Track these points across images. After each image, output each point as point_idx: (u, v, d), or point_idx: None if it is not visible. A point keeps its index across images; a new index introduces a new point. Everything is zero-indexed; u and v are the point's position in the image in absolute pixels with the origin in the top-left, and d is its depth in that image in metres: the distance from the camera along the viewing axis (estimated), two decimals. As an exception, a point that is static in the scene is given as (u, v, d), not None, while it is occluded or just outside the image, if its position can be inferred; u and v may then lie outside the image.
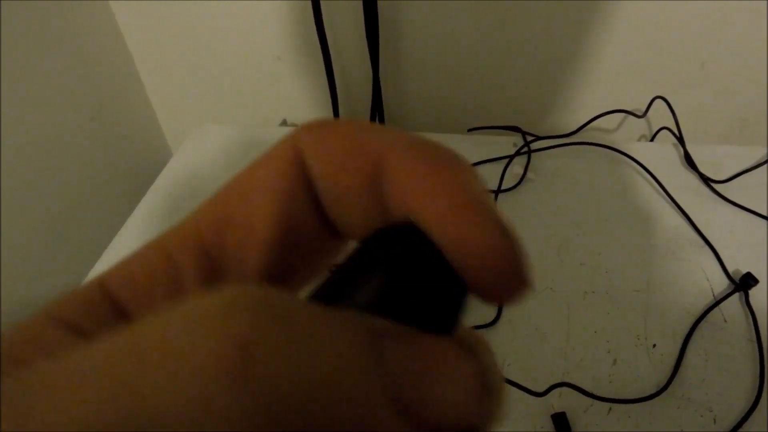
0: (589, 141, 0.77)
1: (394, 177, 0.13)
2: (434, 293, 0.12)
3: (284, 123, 0.96)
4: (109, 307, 0.13)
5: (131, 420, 0.08)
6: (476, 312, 0.56)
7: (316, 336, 0.09)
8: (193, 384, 0.08)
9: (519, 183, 0.72)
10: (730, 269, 0.60)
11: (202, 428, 0.08)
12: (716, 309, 0.56)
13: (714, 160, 0.74)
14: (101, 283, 0.14)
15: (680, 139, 0.76)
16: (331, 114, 0.90)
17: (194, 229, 0.14)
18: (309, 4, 0.77)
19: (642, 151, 0.76)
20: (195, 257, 0.14)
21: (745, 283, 0.58)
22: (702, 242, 0.64)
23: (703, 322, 0.55)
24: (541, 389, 0.48)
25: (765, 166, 0.73)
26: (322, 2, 0.77)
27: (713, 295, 0.58)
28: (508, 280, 0.13)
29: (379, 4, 0.77)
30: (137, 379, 0.08)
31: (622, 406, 0.48)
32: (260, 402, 0.08)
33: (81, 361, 0.09)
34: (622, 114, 0.86)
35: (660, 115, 0.81)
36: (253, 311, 0.09)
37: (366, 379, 0.09)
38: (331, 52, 0.83)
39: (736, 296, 0.58)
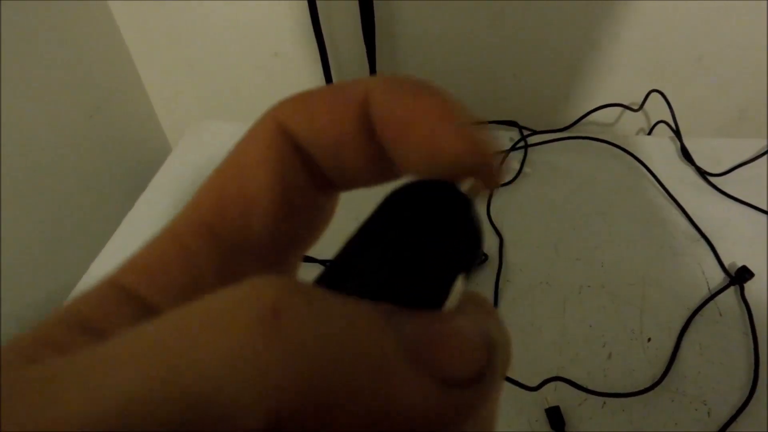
0: (586, 135, 0.77)
1: (380, 110, 0.13)
2: (432, 274, 0.13)
3: (282, 119, 0.96)
4: (129, 303, 0.14)
5: (178, 386, 0.09)
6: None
7: (334, 307, 0.10)
8: (233, 340, 0.09)
9: (516, 177, 0.72)
10: (726, 263, 0.60)
11: (244, 377, 0.09)
12: (711, 303, 0.56)
13: (711, 153, 0.74)
14: (113, 282, 0.14)
15: (677, 133, 0.76)
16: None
17: (198, 213, 0.15)
18: (305, 1, 0.77)
19: (639, 144, 0.76)
20: (205, 239, 0.14)
21: (740, 276, 0.58)
22: (698, 236, 0.64)
23: (698, 316, 0.55)
24: (535, 383, 0.49)
25: (762, 158, 0.73)
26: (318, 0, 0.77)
27: (708, 288, 0.58)
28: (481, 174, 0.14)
29: (375, 1, 0.77)
30: (186, 349, 0.09)
31: (617, 400, 0.49)
32: (290, 351, 0.09)
33: (116, 346, 0.09)
34: (619, 108, 0.86)
35: (657, 109, 0.81)
36: (278, 287, 0.10)
37: (383, 337, 0.10)
38: (328, 47, 0.83)
39: (731, 290, 0.58)
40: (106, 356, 0.09)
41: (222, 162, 0.15)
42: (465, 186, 0.14)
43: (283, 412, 0.09)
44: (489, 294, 0.58)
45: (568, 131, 0.79)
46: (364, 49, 0.81)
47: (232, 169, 0.15)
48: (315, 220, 0.16)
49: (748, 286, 0.57)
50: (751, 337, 0.53)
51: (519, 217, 0.67)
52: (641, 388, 0.49)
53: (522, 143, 0.76)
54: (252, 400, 0.09)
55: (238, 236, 0.14)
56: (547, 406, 0.48)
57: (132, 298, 0.14)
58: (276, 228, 0.14)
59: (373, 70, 0.83)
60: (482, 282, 0.59)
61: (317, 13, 0.78)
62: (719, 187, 0.69)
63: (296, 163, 0.15)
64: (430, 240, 0.13)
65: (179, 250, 0.14)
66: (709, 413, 0.48)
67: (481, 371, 0.11)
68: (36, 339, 0.12)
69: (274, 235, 0.15)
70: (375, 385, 0.10)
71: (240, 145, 0.15)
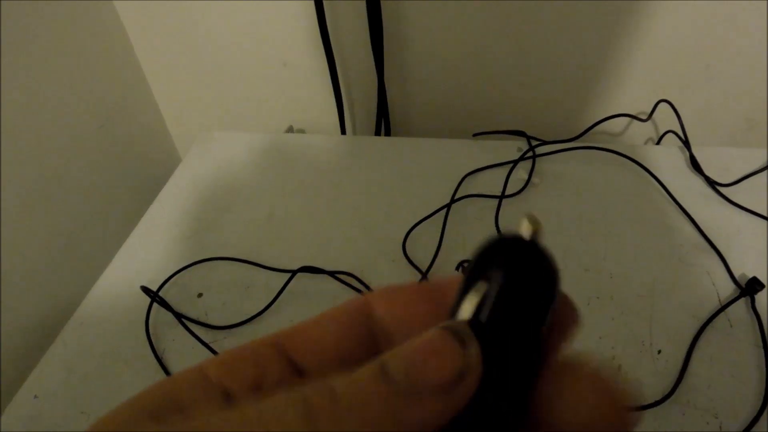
0: (594, 145, 0.77)
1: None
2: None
3: (290, 129, 0.96)
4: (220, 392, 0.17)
5: None
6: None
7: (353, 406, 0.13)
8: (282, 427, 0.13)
9: (524, 188, 0.72)
10: (736, 274, 0.60)
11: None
12: (722, 314, 0.56)
13: (720, 162, 0.74)
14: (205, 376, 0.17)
15: (686, 142, 0.76)
16: (336, 120, 0.90)
17: (280, 345, 0.18)
18: (314, 11, 0.77)
19: (647, 154, 0.76)
20: (281, 361, 0.17)
21: (751, 287, 0.57)
22: (708, 246, 0.63)
23: (708, 328, 0.55)
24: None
25: (772, 168, 0.73)
26: (326, 8, 0.77)
27: (719, 299, 0.58)
28: None
29: (384, 10, 0.77)
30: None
31: (627, 413, 0.48)
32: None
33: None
34: (627, 118, 0.86)
35: (665, 119, 0.81)
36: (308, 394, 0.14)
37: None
38: (336, 58, 0.83)
39: (742, 301, 0.57)
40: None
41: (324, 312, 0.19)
42: (524, 230, 0.15)
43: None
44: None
45: (576, 141, 0.79)
46: (373, 59, 0.82)
47: (320, 320, 0.19)
48: None
49: (759, 297, 0.57)
50: (762, 348, 0.53)
51: (527, 228, 0.67)
52: (652, 401, 0.49)
53: (530, 153, 0.76)
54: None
55: (305, 363, 0.18)
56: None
57: (221, 388, 0.17)
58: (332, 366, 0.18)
59: (381, 80, 0.84)
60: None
61: (326, 23, 0.78)
62: (728, 197, 0.69)
63: (364, 339, 0.18)
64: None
65: (260, 364, 0.18)
66: (720, 426, 0.48)
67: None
68: (160, 396, 0.15)
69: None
70: None
71: (333, 309, 0.19)
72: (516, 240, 0.15)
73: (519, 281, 0.15)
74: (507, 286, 0.15)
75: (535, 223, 0.15)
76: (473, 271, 0.15)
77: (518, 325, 0.14)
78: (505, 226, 0.67)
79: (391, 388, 0.13)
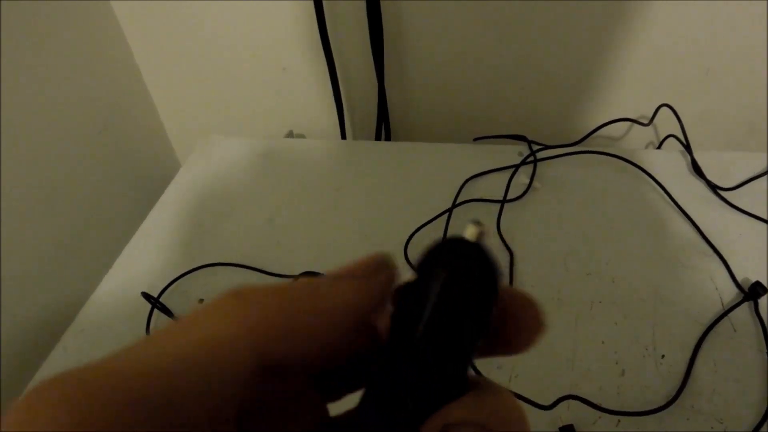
0: (596, 149, 0.77)
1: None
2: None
3: (290, 134, 0.96)
4: None
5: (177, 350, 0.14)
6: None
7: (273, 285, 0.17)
8: (212, 307, 0.16)
9: (525, 192, 0.71)
10: (738, 278, 0.60)
11: (216, 323, 0.15)
12: (725, 318, 0.56)
13: (721, 167, 0.74)
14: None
15: (687, 147, 0.76)
16: (337, 124, 0.90)
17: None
18: (314, 16, 0.77)
19: (649, 158, 0.76)
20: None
21: (754, 292, 0.57)
22: (710, 250, 0.63)
23: (712, 332, 0.55)
24: (548, 402, 0.48)
25: (773, 172, 0.73)
26: (326, 13, 0.77)
27: (722, 304, 0.58)
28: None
29: (384, 15, 0.77)
30: (194, 327, 0.15)
31: (631, 419, 0.48)
32: (252, 305, 0.16)
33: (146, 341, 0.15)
34: (628, 122, 0.86)
35: (666, 123, 0.81)
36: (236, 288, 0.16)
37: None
38: (336, 62, 0.83)
39: (745, 305, 0.57)
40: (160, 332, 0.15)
41: None
42: (470, 234, 0.17)
43: (261, 347, 0.15)
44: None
45: (577, 146, 0.78)
46: (373, 64, 0.82)
47: None
48: None
49: (762, 301, 0.57)
50: (766, 353, 0.53)
51: (529, 233, 0.67)
52: (655, 405, 0.49)
53: (531, 158, 0.76)
54: (241, 342, 0.15)
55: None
56: (561, 425, 0.47)
57: None
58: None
59: (381, 85, 0.84)
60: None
61: (326, 28, 0.78)
62: (730, 201, 0.69)
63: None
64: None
65: None
66: (725, 431, 0.47)
67: None
68: None
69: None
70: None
71: None
72: (460, 241, 0.17)
73: (460, 274, 0.17)
74: (447, 276, 0.17)
75: (479, 226, 0.17)
76: (419, 266, 0.18)
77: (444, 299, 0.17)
78: (507, 230, 0.67)
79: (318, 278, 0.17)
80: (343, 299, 0.17)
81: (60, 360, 0.56)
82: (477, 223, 0.17)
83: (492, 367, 0.52)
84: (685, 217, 0.67)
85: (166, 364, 0.14)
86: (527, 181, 0.73)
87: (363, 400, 0.17)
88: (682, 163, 0.76)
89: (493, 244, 0.65)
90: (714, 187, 0.71)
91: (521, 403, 0.18)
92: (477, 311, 0.17)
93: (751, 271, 0.60)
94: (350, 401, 0.19)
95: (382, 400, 0.17)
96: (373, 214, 0.71)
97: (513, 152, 0.79)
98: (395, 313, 0.17)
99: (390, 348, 0.17)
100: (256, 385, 0.16)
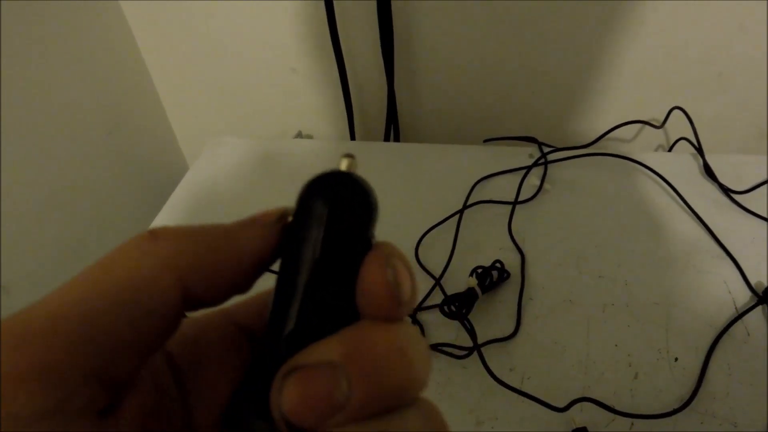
0: (607, 152, 0.77)
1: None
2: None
3: (299, 135, 0.96)
4: None
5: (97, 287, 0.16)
6: (495, 326, 0.56)
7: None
8: (127, 247, 0.16)
9: (536, 194, 0.71)
10: (752, 281, 0.59)
11: (137, 261, 0.16)
12: (739, 322, 0.55)
13: (733, 170, 0.74)
14: None
15: (699, 150, 0.76)
16: (346, 125, 0.90)
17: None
18: (324, 16, 0.77)
19: (660, 161, 0.75)
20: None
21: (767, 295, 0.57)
22: (723, 254, 0.63)
23: (725, 336, 0.54)
24: (561, 404, 0.48)
25: (786, 176, 0.72)
26: (336, 14, 0.77)
27: (735, 307, 0.57)
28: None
29: (394, 15, 0.77)
30: (111, 267, 0.16)
31: (645, 422, 0.48)
32: (167, 243, 0.16)
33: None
34: (640, 124, 0.85)
35: (678, 125, 0.81)
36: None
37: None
38: (346, 63, 0.83)
39: (759, 309, 0.57)
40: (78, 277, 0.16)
41: None
42: (343, 165, 0.19)
43: (182, 282, 0.16)
44: (512, 312, 0.57)
45: (588, 148, 0.78)
46: (383, 65, 0.82)
47: None
48: None
49: (776, 305, 0.56)
50: (781, 357, 0.52)
51: (540, 234, 0.66)
52: (669, 409, 0.48)
53: (542, 160, 0.76)
54: (164, 279, 0.15)
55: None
56: (574, 427, 0.47)
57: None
58: None
59: (391, 85, 0.84)
60: (505, 300, 0.59)
61: (336, 29, 0.78)
62: (743, 204, 0.69)
63: None
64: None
65: None
66: (740, 436, 0.47)
67: None
68: None
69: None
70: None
71: None
72: (336, 173, 0.18)
73: (341, 203, 0.18)
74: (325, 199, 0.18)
75: (350, 157, 0.19)
76: (300, 201, 0.18)
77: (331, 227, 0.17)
78: (518, 232, 0.66)
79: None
80: (251, 243, 0.18)
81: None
82: (349, 156, 0.18)
83: (504, 370, 0.52)
84: (697, 220, 0.67)
85: (98, 305, 0.15)
86: (538, 183, 0.72)
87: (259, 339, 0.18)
88: (694, 166, 0.76)
89: (504, 245, 0.65)
90: (726, 190, 0.71)
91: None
92: (360, 238, 0.18)
93: (764, 275, 0.60)
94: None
95: (267, 335, 0.17)
96: (383, 215, 0.70)
97: (523, 154, 0.78)
98: (283, 248, 0.18)
99: (278, 281, 0.18)
100: (179, 322, 0.17)
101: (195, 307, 0.18)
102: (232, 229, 0.18)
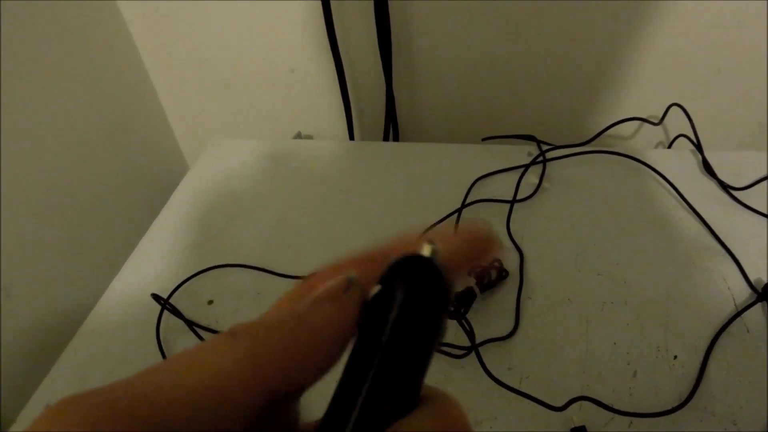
0: (605, 149, 0.77)
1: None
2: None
3: (298, 135, 0.96)
4: None
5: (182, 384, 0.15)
6: (493, 325, 0.56)
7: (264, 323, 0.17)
8: (211, 348, 0.16)
9: (534, 192, 0.71)
10: (751, 278, 0.59)
11: (225, 365, 0.16)
12: (738, 319, 0.55)
13: (732, 166, 0.73)
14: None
15: (698, 146, 0.76)
16: (345, 125, 0.90)
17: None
18: (322, 17, 0.77)
19: (659, 158, 0.75)
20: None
21: (767, 292, 0.56)
22: (722, 250, 0.63)
23: (725, 333, 0.54)
24: (560, 403, 0.48)
25: (785, 172, 0.72)
26: (334, 15, 0.77)
27: (735, 304, 0.57)
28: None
29: (391, 15, 0.77)
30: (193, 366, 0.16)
31: (644, 420, 0.48)
32: (245, 347, 0.16)
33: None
34: (638, 122, 0.85)
35: (677, 122, 0.80)
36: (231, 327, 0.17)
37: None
38: (344, 63, 0.83)
39: (758, 306, 0.56)
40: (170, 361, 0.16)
41: None
42: (426, 251, 0.19)
43: (266, 381, 0.16)
44: (510, 311, 0.57)
45: (587, 145, 0.78)
46: (381, 65, 0.82)
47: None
48: None
49: (776, 302, 0.56)
50: (780, 354, 0.52)
51: (539, 233, 0.66)
52: (668, 407, 0.48)
53: (541, 158, 0.76)
54: (248, 378, 0.16)
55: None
56: (573, 426, 0.47)
57: None
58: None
59: (389, 85, 0.84)
60: (504, 299, 0.59)
61: (334, 29, 0.78)
62: (742, 200, 0.68)
63: None
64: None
65: None
66: (739, 433, 0.47)
67: None
68: None
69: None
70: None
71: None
72: (417, 258, 0.19)
73: (414, 287, 0.18)
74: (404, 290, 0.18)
75: (433, 244, 0.19)
76: (383, 278, 0.19)
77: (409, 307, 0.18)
78: (517, 230, 0.66)
79: (298, 305, 0.18)
80: (328, 323, 0.18)
81: (70, 362, 0.56)
82: (431, 242, 0.19)
83: (503, 369, 0.52)
84: (696, 216, 0.67)
85: (183, 394, 0.15)
86: (537, 181, 0.72)
87: (324, 415, 0.18)
88: (693, 162, 0.76)
89: (503, 244, 0.65)
90: (725, 187, 0.70)
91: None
92: (432, 325, 0.18)
93: (763, 272, 0.60)
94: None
95: (333, 413, 0.17)
96: (382, 214, 0.71)
97: (522, 152, 0.78)
98: (360, 327, 0.18)
99: (350, 363, 0.18)
100: (258, 415, 0.17)
101: (280, 401, 0.17)
102: (303, 313, 0.18)
